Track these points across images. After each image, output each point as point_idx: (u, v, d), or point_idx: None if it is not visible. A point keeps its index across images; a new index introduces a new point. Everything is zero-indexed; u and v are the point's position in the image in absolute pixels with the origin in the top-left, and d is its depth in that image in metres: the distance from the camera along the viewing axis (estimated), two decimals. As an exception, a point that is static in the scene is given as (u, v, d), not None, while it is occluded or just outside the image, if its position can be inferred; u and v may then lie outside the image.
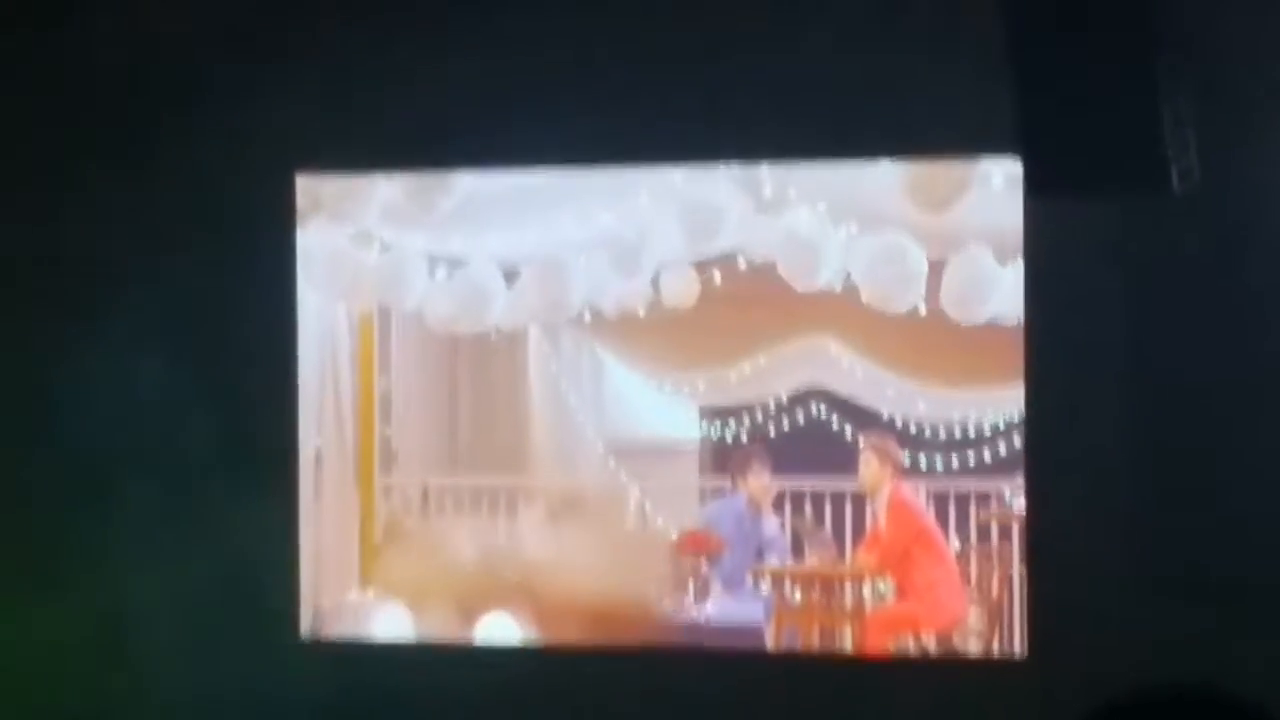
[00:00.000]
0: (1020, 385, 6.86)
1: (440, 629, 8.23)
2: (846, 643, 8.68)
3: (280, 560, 7.49)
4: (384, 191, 8.40)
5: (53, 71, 7.59)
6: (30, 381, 7.60)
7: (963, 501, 9.20)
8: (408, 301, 9.16)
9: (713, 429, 10.05)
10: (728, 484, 9.54)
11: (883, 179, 8.01)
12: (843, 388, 9.58)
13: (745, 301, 9.17)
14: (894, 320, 8.68)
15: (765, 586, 9.10)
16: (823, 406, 9.69)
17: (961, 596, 8.84)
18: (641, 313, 9.27)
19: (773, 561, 9.19)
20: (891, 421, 9.34)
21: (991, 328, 8.19)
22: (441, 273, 9.11)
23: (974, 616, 8.82)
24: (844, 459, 9.34)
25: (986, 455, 9.21)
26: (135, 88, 7.49)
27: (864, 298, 8.66)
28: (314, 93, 7.27)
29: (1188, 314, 6.73)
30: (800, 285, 8.67)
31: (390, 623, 8.35)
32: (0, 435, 7.66)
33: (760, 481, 9.33)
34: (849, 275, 8.64)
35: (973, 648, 8.65)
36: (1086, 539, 6.74)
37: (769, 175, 8.23)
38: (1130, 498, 6.77)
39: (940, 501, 9.16)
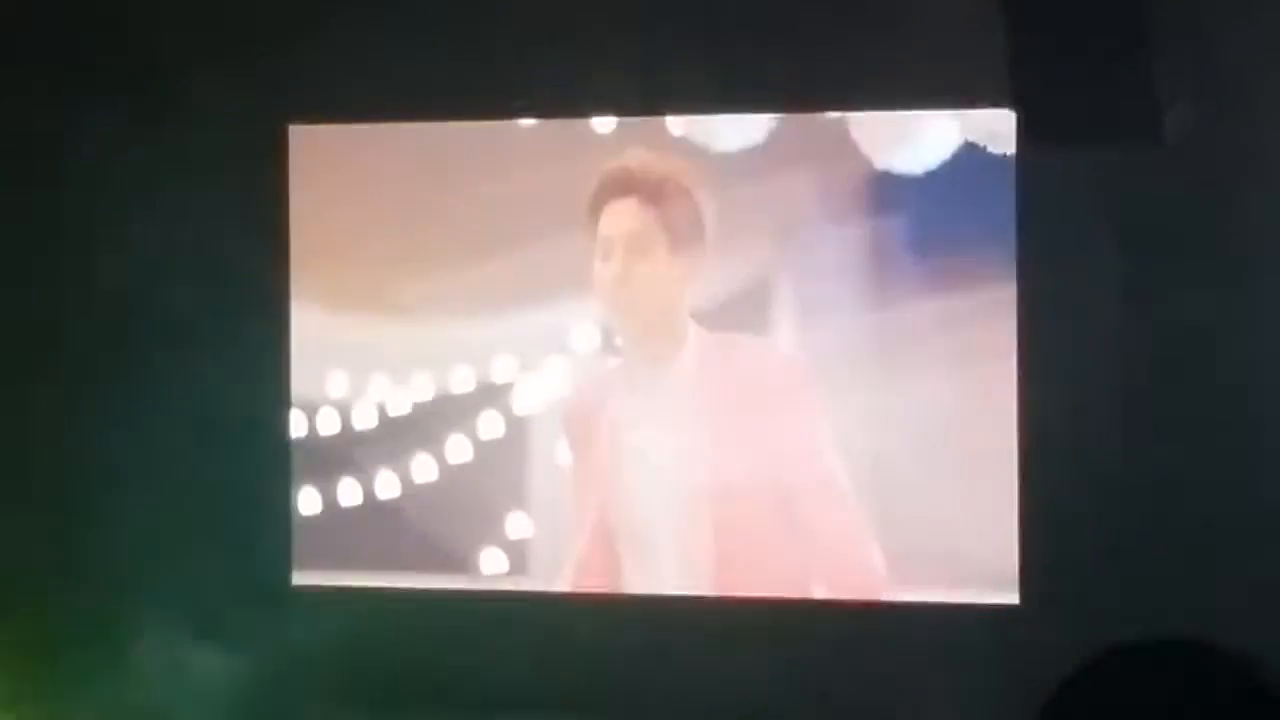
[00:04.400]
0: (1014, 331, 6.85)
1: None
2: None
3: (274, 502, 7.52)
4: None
5: (47, 12, 7.59)
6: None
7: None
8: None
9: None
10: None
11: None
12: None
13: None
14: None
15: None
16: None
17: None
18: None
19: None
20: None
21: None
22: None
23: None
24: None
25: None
26: (134, 30, 7.49)
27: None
28: (310, 42, 7.26)
29: (1182, 259, 6.75)
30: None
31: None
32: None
33: None
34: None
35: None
36: (1081, 486, 6.77)
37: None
38: (1125, 442, 6.79)
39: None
